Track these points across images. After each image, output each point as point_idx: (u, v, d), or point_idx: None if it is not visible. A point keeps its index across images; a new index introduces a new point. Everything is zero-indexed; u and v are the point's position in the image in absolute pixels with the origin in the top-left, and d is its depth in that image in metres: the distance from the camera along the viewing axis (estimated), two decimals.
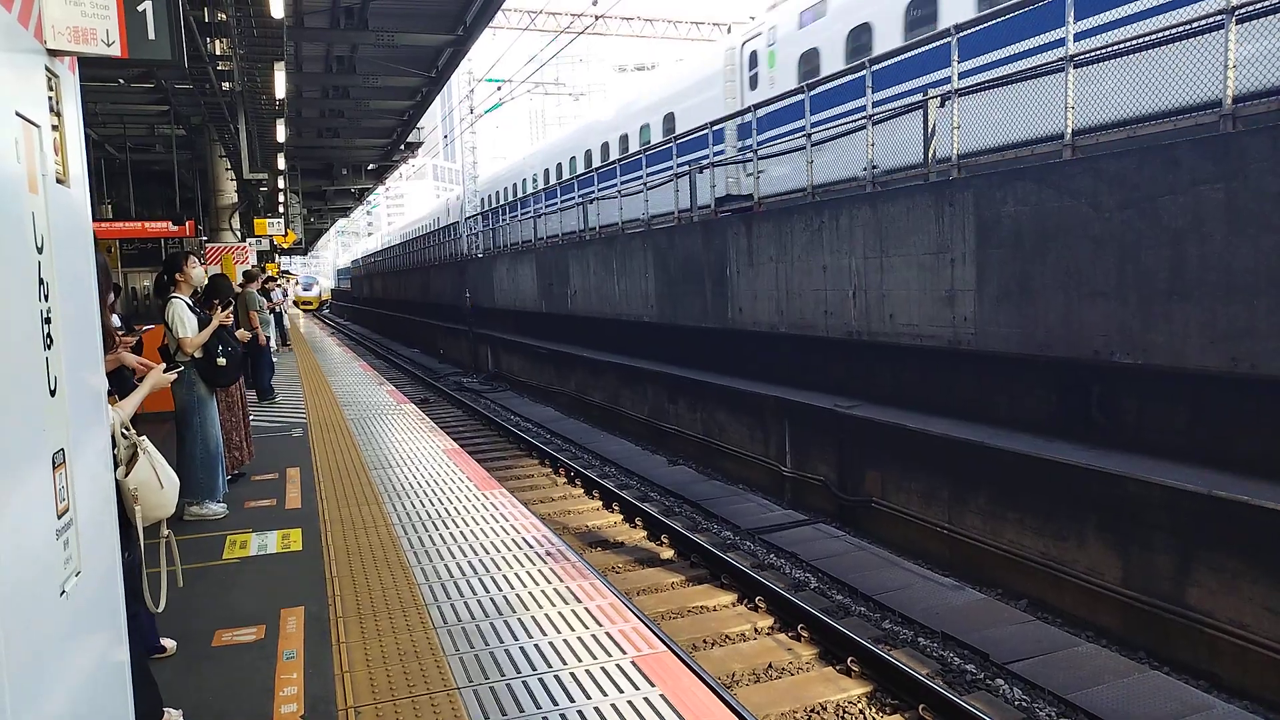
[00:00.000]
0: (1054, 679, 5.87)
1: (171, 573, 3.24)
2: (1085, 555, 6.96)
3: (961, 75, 8.64)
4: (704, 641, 6.66)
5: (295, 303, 54.06)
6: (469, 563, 5.00)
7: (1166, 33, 6.75)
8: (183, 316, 6.07)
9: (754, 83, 14.45)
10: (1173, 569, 6.32)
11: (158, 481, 3.06)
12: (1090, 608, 6.89)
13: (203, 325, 6.19)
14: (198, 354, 6.16)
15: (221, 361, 6.24)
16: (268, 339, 12.52)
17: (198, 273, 6.39)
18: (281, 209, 26.24)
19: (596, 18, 23.77)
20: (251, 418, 8.13)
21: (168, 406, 6.25)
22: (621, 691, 3.43)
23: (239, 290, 11.14)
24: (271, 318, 15.35)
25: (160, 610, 3.19)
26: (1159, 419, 7.13)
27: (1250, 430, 6.42)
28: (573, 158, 23.42)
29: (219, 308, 6.78)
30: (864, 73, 9.95)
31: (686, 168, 14.08)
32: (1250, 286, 5.94)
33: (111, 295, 8.28)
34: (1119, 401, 7.47)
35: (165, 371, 3.80)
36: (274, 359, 16.21)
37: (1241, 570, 5.85)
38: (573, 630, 4.03)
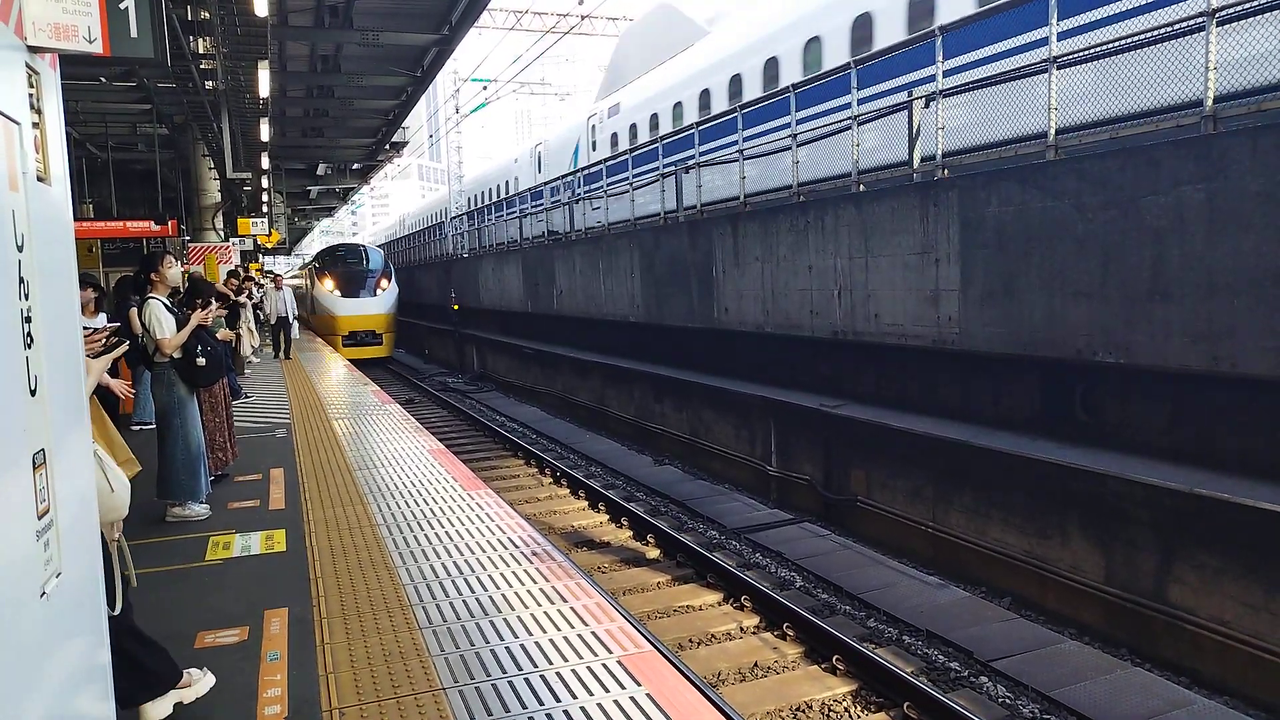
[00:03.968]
0: (1038, 676, 5.91)
1: (126, 577, 3.19)
2: (1068, 553, 7.01)
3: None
4: (690, 641, 6.67)
5: (323, 324, 25.35)
6: (454, 563, 4.99)
7: (1149, 34, 6.81)
8: (160, 317, 6.01)
9: (594, 146, 21.83)
10: (1155, 566, 6.37)
11: (108, 485, 3.02)
12: (1073, 605, 6.94)
13: (181, 325, 6.13)
14: (177, 354, 6.11)
15: (201, 362, 6.19)
16: (236, 336, 12.26)
17: (174, 272, 6.30)
18: (265, 208, 26.08)
19: (582, 18, 23.72)
20: (234, 419, 8.07)
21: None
22: (608, 691, 3.43)
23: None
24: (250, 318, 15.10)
25: (115, 614, 3.15)
26: (1142, 418, 7.19)
27: (1231, 428, 6.48)
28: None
29: (200, 307, 6.73)
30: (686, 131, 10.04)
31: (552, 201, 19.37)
32: (1231, 286, 6.00)
33: (92, 292, 8.25)
34: (1102, 400, 7.53)
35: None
36: (252, 358, 16.05)
37: (1222, 567, 5.91)
38: (559, 630, 4.02)
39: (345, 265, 26.00)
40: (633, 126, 19.22)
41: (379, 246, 40.22)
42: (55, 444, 1.93)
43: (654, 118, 18.04)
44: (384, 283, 25.66)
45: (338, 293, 24.58)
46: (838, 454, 9.79)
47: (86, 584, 2.18)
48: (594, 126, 21.97)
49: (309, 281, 28.02)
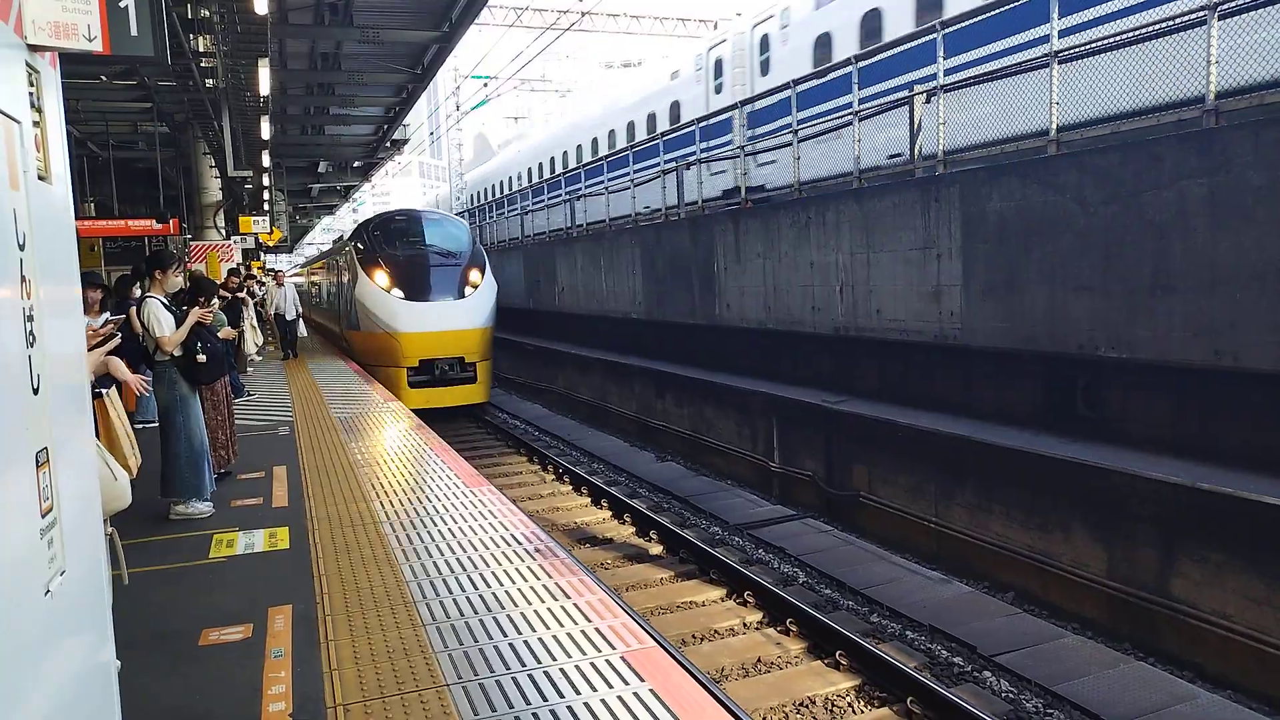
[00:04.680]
0: (1040, 671, 5.91)
1: (116, 576, 3.19)
2: (1070, 548, 7.00)
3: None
4: (693, 636, 6.67)
5: (374, 348, 15.55)
6: (457, 560, 4.99)
7: (1150, 29, 6.80)
8: (158, 316, 6.02)
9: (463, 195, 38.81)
10: (1157, 561, 6.37)
11: (111, 474, 3.03)
12: (1076, 600, 6.93)
13: (179, 323, 6.14)
14: (177, 352, 6.11)
15: (201, 358, 6.20)
16: (239, 334, 12.11)
17: (176, 280, 6.38)
18: (267, 206, 26.11)
19: (583, 14, 23.72)
20: (236, 417, 8.07)
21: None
22: (611, 687, 3.43)
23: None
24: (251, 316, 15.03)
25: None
26: (1144, 412, 7.18)
27: (1233, 423, 6.48)
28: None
29: (202, 305, 6.74)
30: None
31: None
32: (1232, 280, 5.99)
33: (98, 292, 8.26)
34: (1104, 395, 7.52)
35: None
36: (255, 357, 16.02)
37: (1224, 561, 5.91)
38: (562, 626, 4.02)
39: (409, 246, 16.02)
40: (475, 195, 35.37)
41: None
42: (58, 442, 1.93)
43: (480, 193, 34.17)
44: (475, 276, 15.61)
45: (399, 293, 14.92)
46: (840, 449, 9.79)
47: (90, 582, 2.18)
48: (463, 187, 39.74)
49: (343, 276, 18.03)
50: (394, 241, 16.23)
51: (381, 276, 15.23)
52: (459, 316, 15.08)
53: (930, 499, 8.43)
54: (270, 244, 28.24)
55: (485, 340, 15.44)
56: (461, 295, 15.26)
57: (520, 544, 5.26)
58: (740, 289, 12.05)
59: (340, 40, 15.52)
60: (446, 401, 14.92)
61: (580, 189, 18.86)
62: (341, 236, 24.84)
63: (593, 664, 3.63)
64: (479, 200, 33.71)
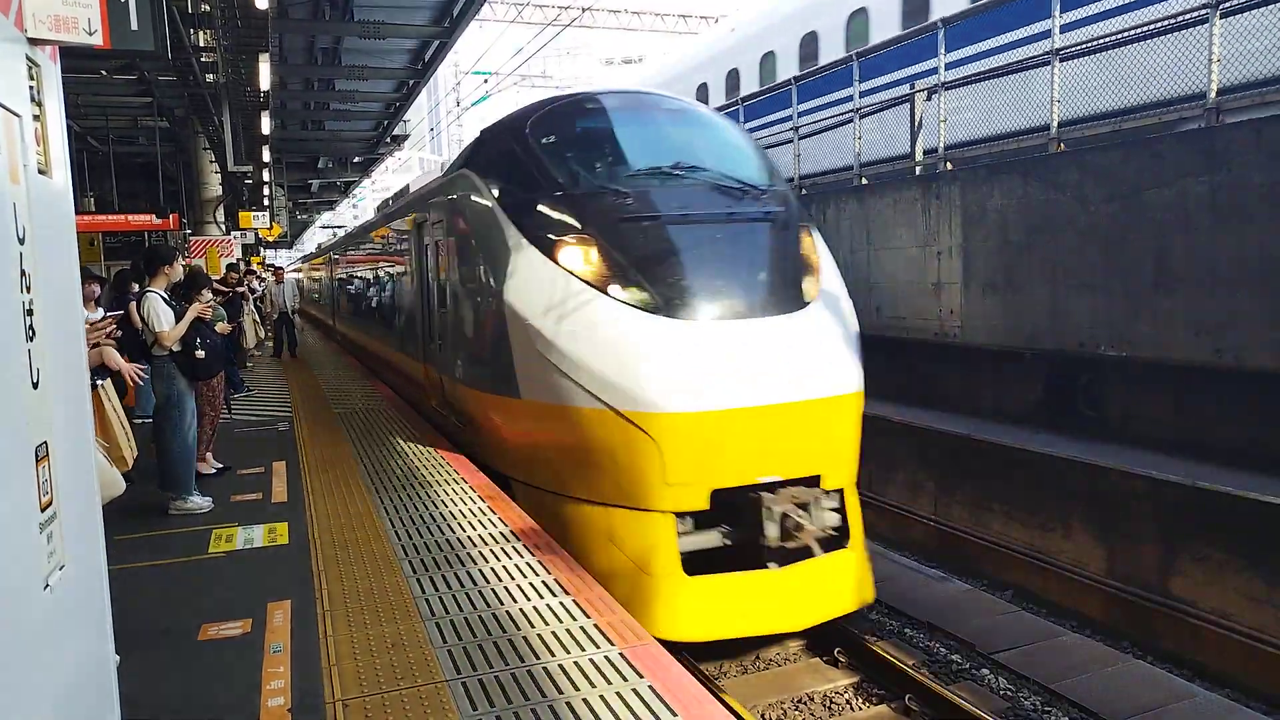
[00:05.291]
0: (1039, 668, 5.91)
1: None
2: (1070, 546, 7.01)
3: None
4: None
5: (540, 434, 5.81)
6: (457, 556, 4.99)
7: (1152, 26, 6.79)
8: (158, 310, 6.01)
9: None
10: (1156, 560, 6.37)
11: (106, 460, 3.03)
12: (1075, 598, 6.94)
13: (179, 317, 6.13)
14: (176, 347, 6.10)
15: (200, 354, 6.18)
16: (237, 327, 11.96)
17: (177, 271, 6.39)
18: (266, 202, 26.09)
19: (584, 10, 23.69)
20: (236, 413, 8.06)
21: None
22: (610, 683, 3.43)
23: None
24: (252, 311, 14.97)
25: None
26: (1144, 410, 7.19)
27: (1233, 421, 6.48)
28: None
29: (199, 299, 6.73)
30: None
31: None
32: (1234, 279, 5.99)
33: (97, 287, 8.25)
34: (1105, 393, 7.52)
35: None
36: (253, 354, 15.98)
37: (1224, 560, 5.91)
38: (561, 622, 4.02)
39: (643, 174, 6.24)
40: None
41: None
42: (58, 436, 1.93)
43: None
44: (810, 251, 6.29)
45: (639, 296, 5.38)
46: None
47: (90, 577, 2.18)
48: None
49: (438, 256, 7.98)
50: (592, 164, 6.69)
51: (571, 255, 5.93)
52: (805, 363, 5.86)
53: (929, 497, 8.43)
54: (270, 239, 28.22)
55: (856, 426, 6.34)
56: (800, 303, 6.10)
57: (520, 540, 5.26)
58: None
59: (340, 35, 15.49)
60: (782, 622, 5.64)
61: None
62: (406, 189, 13.88)
63: (591, 660, 3.63)
64: None
